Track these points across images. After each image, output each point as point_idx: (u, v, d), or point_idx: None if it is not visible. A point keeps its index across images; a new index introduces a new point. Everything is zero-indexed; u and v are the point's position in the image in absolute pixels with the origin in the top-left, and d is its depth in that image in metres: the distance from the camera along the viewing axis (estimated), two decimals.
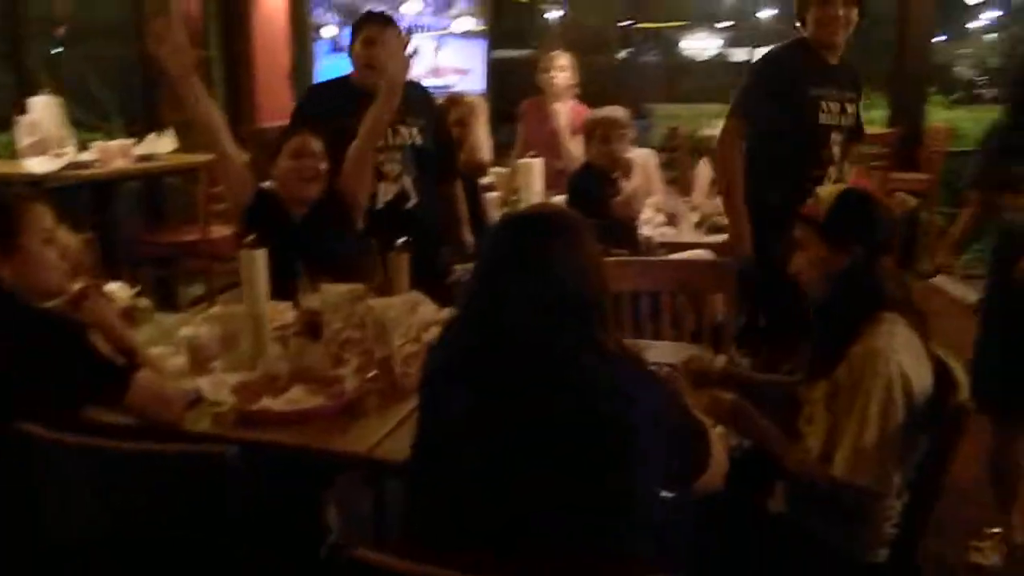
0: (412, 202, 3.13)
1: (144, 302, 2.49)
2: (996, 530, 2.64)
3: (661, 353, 1.76)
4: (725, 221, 3.77)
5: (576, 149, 3.97)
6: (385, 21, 3.07)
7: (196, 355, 2.14)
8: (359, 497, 2.56)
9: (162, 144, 4.68)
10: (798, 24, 3.03)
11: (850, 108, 2.92)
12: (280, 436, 1.83)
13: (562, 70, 4.29)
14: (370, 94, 2.80)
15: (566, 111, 4.24)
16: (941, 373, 1.75)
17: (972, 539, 2.63)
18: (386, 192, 3.07)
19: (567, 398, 1.32)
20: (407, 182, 3.11)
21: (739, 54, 11.91)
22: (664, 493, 1.43)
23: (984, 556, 2.60)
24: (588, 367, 1.34)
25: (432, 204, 3.25)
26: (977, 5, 11.35)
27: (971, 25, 13.52)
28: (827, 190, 1.93)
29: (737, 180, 3.02)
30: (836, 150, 2.89)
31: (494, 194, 4.04)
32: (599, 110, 3.49)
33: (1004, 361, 2.45)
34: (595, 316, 1.40)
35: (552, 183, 3.93)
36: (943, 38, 9.26)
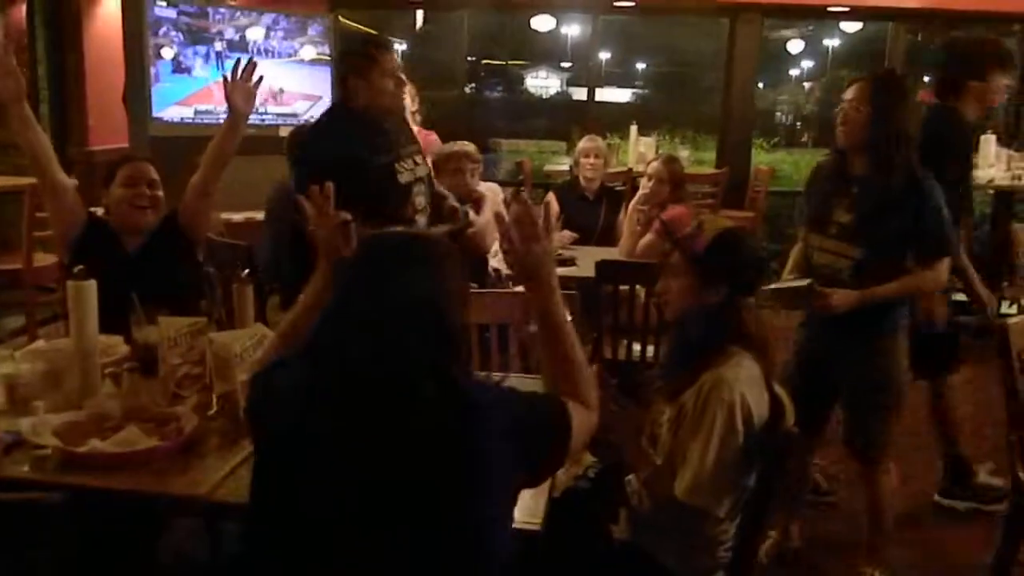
0: None
1: None
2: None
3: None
4: (569, 254, 3.87)
5: None
6: (390, 46, 2.91)
7: (16, 394, 2.00)
8: (195, 541, 2.44)
9: None
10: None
11: None
12: (110, 480, 1.71)
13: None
14: (385, 121, 2.79)
15: None
16: (774, 403, 1.86)
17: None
18: (417, 225, 2.90)
19: (412, 429, 1.28)
20: (430, 214, 3.00)
21: (579, 93, 12.38)
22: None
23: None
24: (434, 398, 1.30)
25: None
26: (795, 55, 12.27)
27: (791, 72, 14.59)
28: (711, 223, 1.96)
29: None
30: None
31: None
32: (451, 143, 3.51)
33: (806, 384, 2.63)
34: (450, 347, 1.37)
35: None
36: (760, 85, 9.97)
